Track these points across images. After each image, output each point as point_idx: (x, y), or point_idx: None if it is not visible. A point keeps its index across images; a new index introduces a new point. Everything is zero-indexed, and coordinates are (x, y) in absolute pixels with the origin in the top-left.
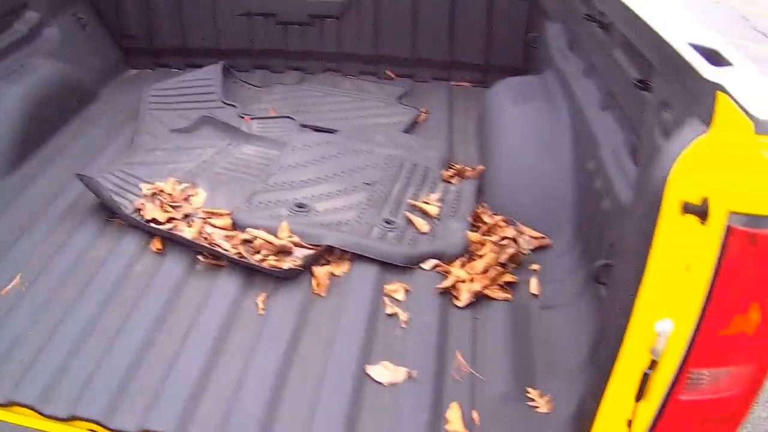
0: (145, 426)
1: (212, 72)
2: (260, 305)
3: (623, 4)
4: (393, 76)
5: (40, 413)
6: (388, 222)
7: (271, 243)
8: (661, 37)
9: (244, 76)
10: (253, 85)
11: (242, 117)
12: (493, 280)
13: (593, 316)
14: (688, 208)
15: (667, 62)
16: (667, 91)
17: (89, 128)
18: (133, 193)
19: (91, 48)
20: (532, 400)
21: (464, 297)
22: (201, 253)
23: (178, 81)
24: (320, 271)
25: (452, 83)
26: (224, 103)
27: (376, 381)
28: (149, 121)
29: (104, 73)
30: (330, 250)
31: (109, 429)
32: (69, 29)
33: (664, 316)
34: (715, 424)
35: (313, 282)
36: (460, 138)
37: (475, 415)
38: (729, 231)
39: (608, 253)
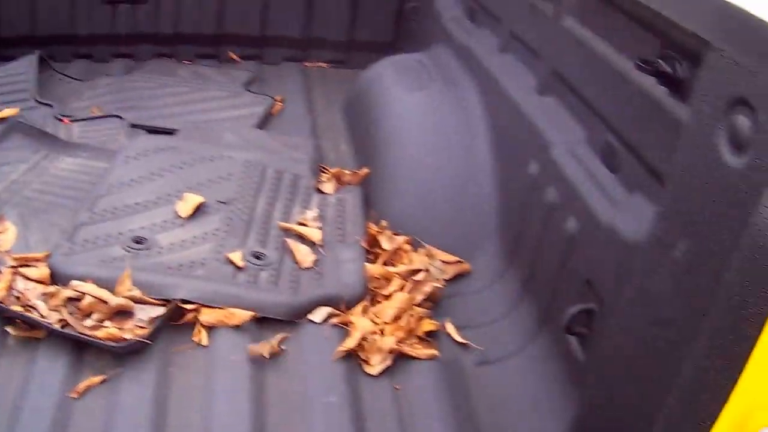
0: None
1: (24, 65)
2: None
3: None
4: (237, 58)
5: None
6: (257, 257)
7: (104, 301)
8: None
9: (62, 67)
10: (73, 78)
11: (60, 119)
12: (410, 332)
13: (563, 375)
14: None
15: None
16: (736, 78)
17: None
18: None
19: None
20: None
21: (376, 360)
22: (11, 321)
23: None
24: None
25: (305, 64)
26: (38, 102)
27: None
28: None
29: None
30: (185, 302)
31: None
32: None
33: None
34: None
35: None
36: (326, 133)
37: None
38: None
39: (583, 292)
